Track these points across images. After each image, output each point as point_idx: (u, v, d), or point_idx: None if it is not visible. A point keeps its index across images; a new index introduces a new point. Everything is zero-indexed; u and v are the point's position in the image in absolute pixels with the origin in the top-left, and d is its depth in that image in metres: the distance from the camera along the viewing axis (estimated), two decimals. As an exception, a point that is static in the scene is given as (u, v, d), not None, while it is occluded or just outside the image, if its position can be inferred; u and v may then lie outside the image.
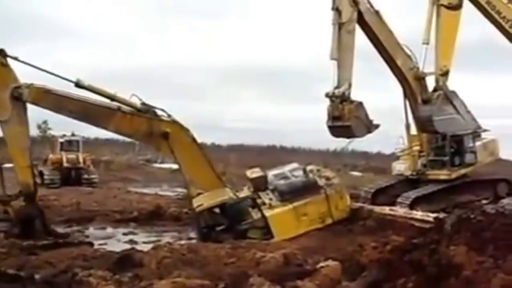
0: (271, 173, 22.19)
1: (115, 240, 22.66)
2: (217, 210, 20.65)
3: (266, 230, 19.85)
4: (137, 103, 21.42)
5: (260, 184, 21.51)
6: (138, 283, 12.98)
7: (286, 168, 22.43)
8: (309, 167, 22.73)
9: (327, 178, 21.77)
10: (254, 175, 22.02)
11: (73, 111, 20.92)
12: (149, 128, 21.30)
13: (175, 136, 21.44)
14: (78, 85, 20.85)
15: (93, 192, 39.35)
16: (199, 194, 21.81)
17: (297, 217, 20.43)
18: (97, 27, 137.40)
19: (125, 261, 15.45)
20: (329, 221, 20.71)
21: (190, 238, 22.27)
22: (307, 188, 21.03)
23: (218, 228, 19.90)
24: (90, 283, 12.67)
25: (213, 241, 18.66)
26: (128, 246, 19.82)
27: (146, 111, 21.36)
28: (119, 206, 30.80)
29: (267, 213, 20.05)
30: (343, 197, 21.65)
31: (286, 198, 20.71)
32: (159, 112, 21.71)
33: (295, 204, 20.54)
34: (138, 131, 21.63)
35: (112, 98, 21.16)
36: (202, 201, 20.46)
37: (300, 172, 21.84)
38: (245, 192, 21.90)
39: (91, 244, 19.99)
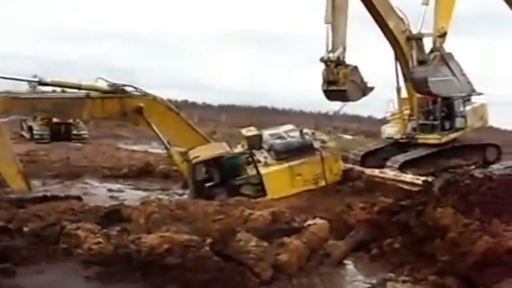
0: (266, 133, 22.20)
1: (104, 195, 22.66)
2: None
3: (260, 187, 19.88)
4: (104, 85, 21.29)
5: (255, 143, 21.51)
6: (127, 236, 12.99)
7: (282, 129, 22.45)
8: (304, 130, 22.75)
9: (323, 141, 21.81)
10: (249, 133, 22.00)
11: (45, 109, 21.21)
12: (122, 107, 21.27)
13: (150, 109, 21.42)
14: (41, 83, 20.96)
15: (82, 148, 39.24)
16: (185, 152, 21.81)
17: (291, 176, 20.47)
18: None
19: (114, 215, 15.43)
20: (322, 183, 20.75)
21: (179, 195, 22.35)
22: (303, 149, 21.04)
23: (212, 182, 19.90)
24: (78, 236, 12.68)
25: (206, 195, 18.82)
26: (116, 202, 19.82)
27: (115, 91, 21.25)
28: (109, 162, 30.80)
29: (262, 170, 20.08)
30: (338, 161, 21.70)
31: (281, 157, 20.72)
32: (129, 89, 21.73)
33: (291, 163, 20.55)
34: (112, 113, 21.62)
35: (78, 87, 21.17)
36: (199, 153, 20.43)
37: (297, 133, 21.85)
38: (239, 150, 21.91)
39: (79, 198, 19.97)
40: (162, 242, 12.03)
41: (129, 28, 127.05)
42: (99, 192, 23.63)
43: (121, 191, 24.18)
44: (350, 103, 23.66)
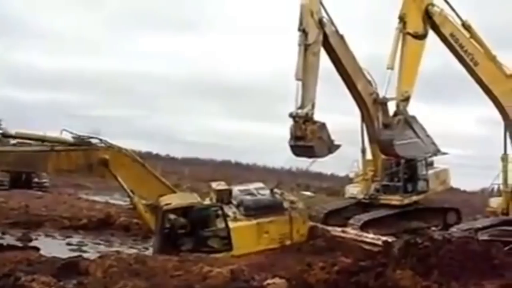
0: (236, 188, 22.19)
1: (62, 246, 22.25)
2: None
3: (226, 241, 19.75)
4: (69, 137, 21.28)
5: (225, 197, 21.45)
6: (83, 291, 12.77)
7: (252, 186, 22.46)
8: (275, 189, 22.82)
9: (292, 202, 21.81)
10: (219, 187, 21.96)
11: (11, 163, 21.01)
12: (87, 159, 21.19)
13: (115, 161, 21.34)
14: (4, 135, 21.07)
15: (43, 196, 38.58)
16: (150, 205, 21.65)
17: (258, 233, 20.39)
18: (63, 29, 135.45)
19: (71, 268, 15.17)
20: (287, 242, 20.70)
21: (138, 248, 22.08)
22: (273, 207, 21.03)
23: (180, 231, 19.69)
24: (32, 288, 12.41)
25: (172, 244, 18.71)
26: (74, 253, 19.47)
27: (80, 144, 21.22)
28: (69, 212, 30.29)
29: (231, 224, 19.98)
30: (305, 222, 21.72)
31: (250, 214, 20.66)
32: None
33: (259, 220, 20.50)
34: (77, 165, 21.49)
35: (42, 139, 21.15)
36: (170, 201, 20.27)
37: (267, 191, 21.90)
38: (209, 202, 21.81)
39: (36, 248, 19.60)
40: (118, 298, 11.81)
41: (94, 75, 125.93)
42: (57, 243, 23.20)
43: (79, 242, 23.74)
44: (318, 160, 23.90)
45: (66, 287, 13.03)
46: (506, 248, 16.77)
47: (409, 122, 24.17)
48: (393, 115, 24.65)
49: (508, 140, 26.01)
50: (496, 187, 28.08)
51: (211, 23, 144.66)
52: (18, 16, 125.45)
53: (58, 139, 21.19)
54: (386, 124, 24.94)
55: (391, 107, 25.11)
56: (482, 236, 22.46)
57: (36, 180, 44.55)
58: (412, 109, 24.83)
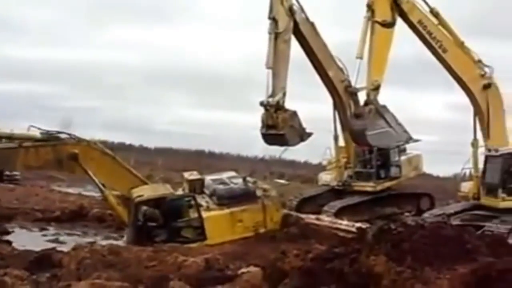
0: (208, 178, 22.16)
1: (34, 239, 22.03)
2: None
3: (200, 231, 19.76)
4: (37, 133, 21.08)
5: (197, 187, 21.43)
6: (56, 283, 12.71)
7: (225, 175, 22.45)
8: (247, 178, 22.83)
9: (265, 190, 21.85)
10: (192, 177, 21.93)
11: None
12: (56, 155, 21.07)
13: (84, 155, 21.25)
14: None
15: (15, 189, 38.22)
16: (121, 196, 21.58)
17: (232, 222, 20.42)
18: (32, 20, 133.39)
19: (44, 261, 15.12)
20: (261, 230, 20.74)
21: (112, 239, 21.98)
22: (246, 196, 21.06)
23: (153, 223, 19.63)
24: (5, 282, 12.28)
25: (145, 236, 18.72)
26: (47, 246, 19.30)
27: (49, 139, 21.02)
28: (41, 204, 30.09)
29: (204, 214, 19.97)
30: (279, 210, 21.80)
31: (223, 203, 20.69)
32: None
33: (232, 209, 20.54)
34: (46, 161, 21.38)
35: (9, 137, 20.96)
36: (142, 192, 20.19)
37: (239, 180, 21.89)
38: (181, 193, 21.76)
39: (9, 242, 19.41)
40: (92, 290, 11.75)
41: (64, 65, 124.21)
42: (29, 236, 22.97)
43: (52, 235, 23.56)
44: (290, 148, 23.95)
45: (40, 280, 12.94)
46: (478, 232, 16.99)
47: (380, 112, 24.26)
48: (364, 105, 24.72)
49: (478, 125, 26.26)
50: (467, 172, 28.44)
51: (181, 13, 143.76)
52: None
53: (26, 135, 21.03)
54: (358, 114, 25.02)
55: (362, 97, 25.23)
56: (455, 221, 22.75)
57: (7, 173, 44.01)
58: (384, 96, 24.97)
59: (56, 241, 21.75)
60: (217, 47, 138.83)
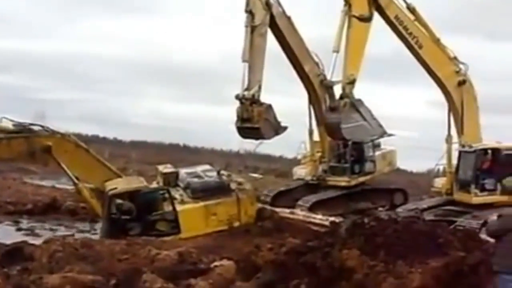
0: (183, 171, 22.11)
1: (6, 232, 21.79)
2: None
3: (174, 224, 19.72)
4: (10, 125, 20.86)
5: (171, 180, 21.38)
6: (27, 277, 12.54)
7: (199, 168, 22.41)
8: (222, 171, 22.80)
9: (239, 183, 21.84)
10: (166, 170, 21.87)
11: None
12: (29, 146, 20.93)
13: (58, 147, 21.14)
14: None
15: (-14, 181, 37.83)
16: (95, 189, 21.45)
17: (206, 215, 20.39)
18: (8, 12, 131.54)
19: (15, 253, 14.93)
20: (236, 224, 20.73)
21: (83, 232, 21.88)
22: (220, 189, 21.03)
23: (127, 216, 19.53)
24: (-26, 275, 12.15)
25: (119, 229, 18.63)
26: (19, 239, 19.08)
27: (21, 131, 20.83)
28: (13, 197, 29.75)
29: (178, 207, 19.93)
30: (253, 203, 21.79)
31: (198, 196, 20.65)
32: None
33: (207, 202, 20.51)
34: (19, 153, 21.26)
35: None
36: (116, 185, 20.07)
37: (214, 173, 21.88)
38: (155, 186, 21.68)
39: (-21, 235, 19.22)
40: (64, 283, 11.71)
41: (41, 58, 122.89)
42: (1, 229, 22.75)
43: (24, 228, 23.34)
44: (265, 141, 23.95)
45: (10, 274, 12.78)
46: (451, 227, 17.11)
47: (355, 105, 24.34)
48: (339, 98, 24.78)
49: (452, 122, 26.45)
50: (441, 168, 28.66)
51: (159, 5, 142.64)
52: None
53: None
54: (333, 108, 25.08)
55: (338, 91, 25.30)
56: (428, 216, 22.92)
57: (-22, 165, 43.51)
58: (361, 90, 25.05)
59: (28, 234, 21.56)
60: (194, 40, 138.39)
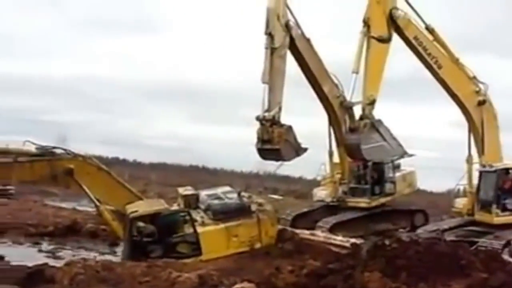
0: (203, 193, 22.12)
1: (27, 254, 21.88)
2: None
3: (195, 246, 19.72)
4: (32, 148, 21.06)
5: (192, 202, 21.39)
6: (49, 299, 12.60)
7: (219, 190, 22.41)
8: (242, 192, 22.82)
9: (259, 204, 21.83)
10: (186, 192, 21.90)
11: None
12: (52, 169, 21.05)
13: (80, 170, 21.24)
14: None
15: (8, 203, 37.95)
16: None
17: (227, 237, 20.39)
18: (12, 32, 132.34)
19: (36, 276, 15.02)
20: (257, 245, 20.72)
21: (103, 254, 21.93)
22: (240, 211, 21.04)
23: (148, 239, 19.56)
24: (-3, 297, 12.22)
25: (141, 252, 18.61)
26: (40, 261, 19.17)
27: (44, 154, 21.01)
28: (34, 219, 29.85)
29: (199, 229, 19.93)
30: (274, 224, 21.78)
31: (218, 218, 20.64)
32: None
33: (227, 224, 20.51)
34: (42, 176, 21.35)
35: (5, 152, 20.90)
36: (137, 208, 20.13)
37: (234, 195, 21.86)
38: (176, 208, 21.71)
39: (1, 257, 19.30)
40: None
41: (48, 79, 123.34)
42: (22, 251, 22.83)
43: (46, 250, 23.43)
44: (285, 163, 23.94)
45: (32, 296, 12.84)
46: (472, 248, 16.98)
47: (375, 126, 24.36)
48: (359, 119, 24.82)
49: (472, 141, 26.32)
50: (461, 188, 28.45)
51: (170, 24, 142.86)
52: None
53: (21, 150, 20.97)
54: (353, 128, 25.12)
55: (358, 111, 25.31)
56: (449, 237, 22.75)
57: (0, 187, 43.75)
58: (381, 111, 25.04)
59: (49, 256, 21.65)
60: (210, 61, 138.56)
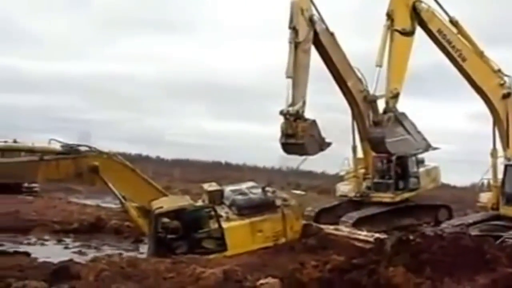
0: (228, 189, 22.12)
1: (53, 251, 22.11)
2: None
3: (221, 242, 19.72)
4: (57, 146, 21.23)
5: (217, 198, 21.38)
6: (75, 295, 12.71)
7: (244, 185, 22.40)
8: (266, 187, 22.80)
9: (284, 199, 21.80)
10: (211, 188, 21.91)
11: (0, 175, 20.75)
12: (77, 167, 21.09)
13: (105, 167, 21.26)
14: None
15: (33, 201, 38.39)
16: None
17: (252, 232, 20.36)
18: (41, 33, 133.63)
19: (62, 272, 15.07)
20: (282, 240, 20.67)
21: (127, 250, 22.07)
22: (265, 206, 20.99)
23: (173, 235, 19.63)
24: (24, 294, 12.35)
25: (166, 248, 18.65)
26: (66, 258, 19.35)
27: (69, 152, 21.17)
28: (59, 216, 30.15)
29: (224, 224, 19.94)
30: (299, 219, 21.71)
31: (243, 213, 20.61)
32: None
33: (252, 219, 20.46)
34: (67, 174, 21.41)
35: (31, 150, 21.17)
36: (161, 204, 20.21)
37: (259, 190, 21.82)
38: (201, 204, 21.77)
39: (27, 254, 19.51)
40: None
41: (76, 78, 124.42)
42: (48, 248, 23.07)
43: (71, 246, 23.64)
44: (309, 157, 23.91)
45: (57, 292, 12.96)
46: (497, 242, 16.84)
47: (399, 119, 24.28)
48: (383, 113, 24.76)
49: (497, 135, 26.09)
50: (486, 182, 28.21)
51: (195, 23, 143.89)
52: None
53: (46, 148, 21.14)
54: (377, 122, 25.05)
55: (381, 105, 25.21)
56: (474, 231, 22.55)
57: (25, 184, 44.15)
58: (403, 105, 24.93)
59: (74, 252, 21.83)
60: (232, 57, 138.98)
